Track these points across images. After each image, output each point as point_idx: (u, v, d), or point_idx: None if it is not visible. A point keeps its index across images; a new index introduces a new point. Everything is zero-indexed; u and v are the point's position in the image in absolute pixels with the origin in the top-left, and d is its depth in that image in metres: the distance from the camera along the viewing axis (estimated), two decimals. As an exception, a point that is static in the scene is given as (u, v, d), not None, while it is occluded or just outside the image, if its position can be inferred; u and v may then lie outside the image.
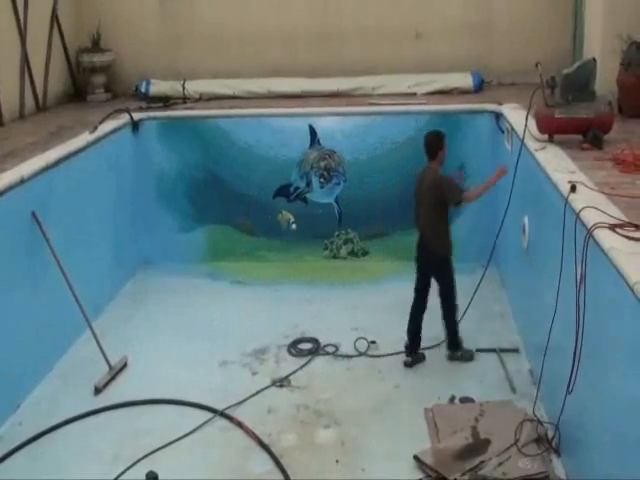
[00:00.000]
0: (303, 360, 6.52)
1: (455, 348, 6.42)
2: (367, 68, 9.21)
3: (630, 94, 7.09)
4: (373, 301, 7.57)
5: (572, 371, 4.37)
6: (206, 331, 7.05)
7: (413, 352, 6.42)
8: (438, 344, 6.57)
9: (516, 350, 6.47)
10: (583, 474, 4.53)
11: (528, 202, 6.20)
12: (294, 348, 6.73)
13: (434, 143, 6.16)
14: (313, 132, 8.45)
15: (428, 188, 6.14)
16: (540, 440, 5.10)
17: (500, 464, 4.92)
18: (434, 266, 6.32)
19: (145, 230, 8.58)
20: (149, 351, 6.72)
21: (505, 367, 6.20)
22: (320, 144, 8.50)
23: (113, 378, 6.26)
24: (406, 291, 7.70)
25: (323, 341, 6.79)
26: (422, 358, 6.44)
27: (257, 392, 6.01)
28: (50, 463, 5.22)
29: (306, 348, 6.72)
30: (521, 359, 6.34)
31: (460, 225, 8.19)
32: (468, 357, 6.39)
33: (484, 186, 6.17)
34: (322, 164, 8.53)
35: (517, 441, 5.03)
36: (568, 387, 4.44)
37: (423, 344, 6.58)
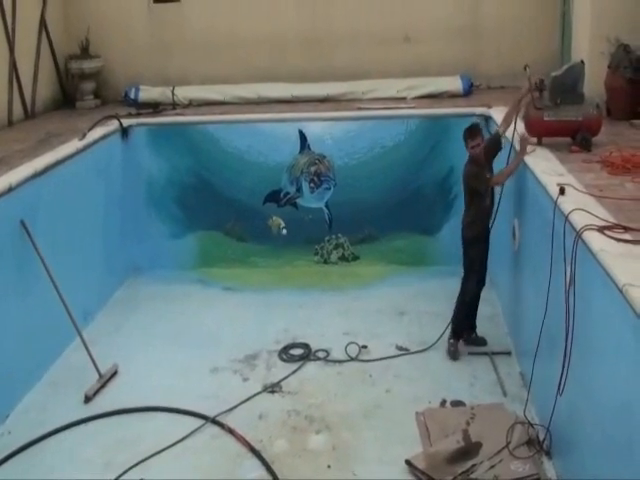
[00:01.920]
0: (294, 366, 6.50)
1: (453, 334, 6.50)
2: (356, 73, 9.22)
3: (618, 96, 7.11)
4: (364, 306, 7.56)
5: (562, 373, 4.36)
6: (197, 338, 7.02)
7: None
8: (428, 347, 6.57)
9: (508, 353, 6.46)
10: (574, 475, 4.52)
11: (517, 205, 6.21)
12: (285, 354, 6.71)
13: (463, 135, 6.26)
14: (303, 137, 8.45)
15: (462, 178, 6.39)
16: (531, 442, 5.10)
17: (492, 467, 4.91)
18: (462, 245, 6.47)
19: (135, 237, 8.55)
20: (139, 358, 6.68)
21: (496, 370, 6.20)
22: (310, 149, 8.49)
23: (103, 386, 6.23)
24: (397, 295, 7.76)
25: (314, 346, 6.77)
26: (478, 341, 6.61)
27: (248, 398, 5.98)
28: (40, 472, 5.18)
29: (297, 353, 6.70)
30: (512, 362, 6.33)
31: (449, 227, 8.21)
32: (451, 354, 6.43)
33: (510, 168, 6.03)
34: (312, 169, 8.53)
35: (508, 444, 5.03)
36: (558, 389, 4.43)
37: (415, 346, 6.60)
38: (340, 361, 6.58)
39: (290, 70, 9.34)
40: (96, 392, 6.13)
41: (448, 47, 9.27)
